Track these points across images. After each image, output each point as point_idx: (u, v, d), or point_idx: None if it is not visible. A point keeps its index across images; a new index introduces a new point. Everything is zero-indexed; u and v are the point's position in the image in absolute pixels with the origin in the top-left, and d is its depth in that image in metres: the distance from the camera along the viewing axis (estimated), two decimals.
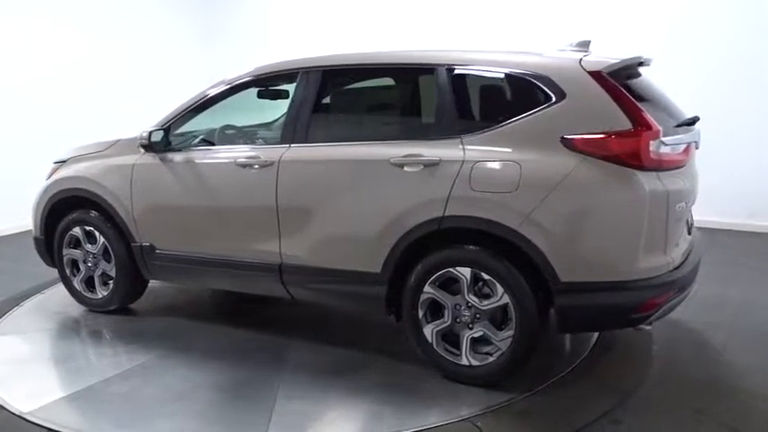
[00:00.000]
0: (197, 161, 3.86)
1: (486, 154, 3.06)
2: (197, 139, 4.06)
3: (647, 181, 2.83)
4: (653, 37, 6.34)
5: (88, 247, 4.33)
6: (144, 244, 4.10)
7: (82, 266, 4.40)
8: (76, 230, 4.35)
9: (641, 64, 3.32)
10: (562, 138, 2.91)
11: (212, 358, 3.68)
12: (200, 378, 3.42)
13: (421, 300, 3.24)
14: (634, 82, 3.25)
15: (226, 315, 4.47)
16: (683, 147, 3.12)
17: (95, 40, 7.79)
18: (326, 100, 3.58)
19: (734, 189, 6.18)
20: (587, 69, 2.97)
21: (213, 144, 4.01)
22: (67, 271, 4.48)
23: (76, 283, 4.46)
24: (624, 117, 2.85)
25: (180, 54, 8.79)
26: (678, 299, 3.09)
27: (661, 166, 2.90)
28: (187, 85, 5.07)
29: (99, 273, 4.35)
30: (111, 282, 4.32)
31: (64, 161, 4.46)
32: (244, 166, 3.64)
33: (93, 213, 4.25)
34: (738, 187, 6.19)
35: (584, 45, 3.46)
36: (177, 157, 3.92)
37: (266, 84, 3.88)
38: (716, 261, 4.89)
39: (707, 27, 6.25)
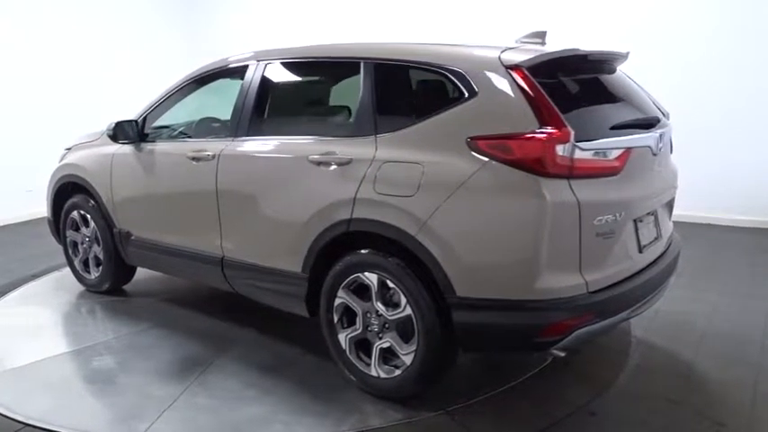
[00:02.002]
0: (163, 153, 3.96)
1: (394, 154, 2.85)
2: (176, 132, 4.16)
3: (552, 190, 2.50)
4: (632, 32, 6.41)
5: (84, 230, 4.60)
6: (122, 230, 4.28)
7: (80, 248, 4.69)
8: (74, 214, 4.63)
9: (586, 58, 2.92)
10: (468, 139, 2.64)
11: (170, 338, 3.85)
12: (148, 352, 3.66)
13: (335, 304, 3.11)
14: (584, 78, 2.91)
15: (208, 302, 4.54)
16: (619, 152, 2.71)
17: (93, 33, 8.04)
18: (265, 94, 3.51)
19: (713, 183, 6.29)
20: (505, 64, 2.67)
21: (190, 136, 4.08)
22: (70, 251, 4.79)
23: (76, 264, 4.76)
24: (533, 118, 2.54)
25: (172, 43, 9.00)
26: (603, 325, 2.70)
27: (574, 173, 2.54)
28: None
29: (92, 255, 4.61)
30: (101, 264, 4.56)
31: (70, 148, 4.76)
32: (193, 159, 3.68)
33: (85, 199, 4.50)
34: (718, 182, 6.29)
35: (540, 36, 3.13)
36: (148, 148, 4.04)
37: (224, 77, 3.88)
38: (695, 254, 5.09)
39: (687, 21, 6.28)
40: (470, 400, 3.00)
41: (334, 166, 3.02)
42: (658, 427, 2.80)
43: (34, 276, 5.11)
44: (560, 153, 2.50)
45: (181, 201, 3.83)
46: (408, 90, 3.02)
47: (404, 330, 2.89)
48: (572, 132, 2.50)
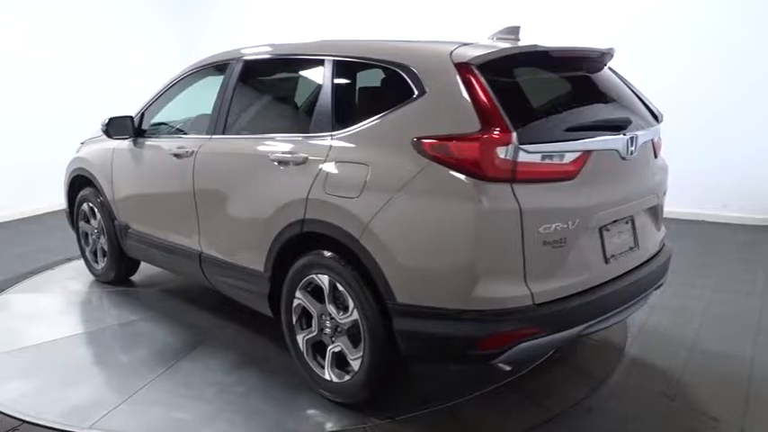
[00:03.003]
0: (153, 149, 4.04)
1: (345, 153, 2.78)
2: (173, 128, 4.23)
3: (491, 194, 2.36)
4: (630, 29, 6.37)
5: (92, 222, 4.76)
6: (122, 223, 4.40)
7: (90, 239, 4.86)
8: (84, 206, 4.80)
9: (548, 55, 2.74)
10: (414, 139, 2.54)
11: (154, 331, 3.93)
12: (129, 344, 3.78)
13: (294, 305, 3.07)
14: (545, 77, 2.76)
15: (205, 295, 4.57)
16: (575, 156, 2.53)
17: (92, 30, 7.96)
18: (238, 92, 3.50)
19: (707, 180, 6.27)
20: (455, 61, 2.54)
21: (185, 133, 4.13)
22: (82, 242, 4.97)
23: (87, 254, 4.94)
24: (475, 118, 2.41)
25: (171, 40, 8.98)
26: (551, 339, 2.54)
27: (517, 177, 2.39)
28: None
29: (99, 247, 4.76)
30: (106, 256, 4.71)
31: (84, 142, 4.93)
32: (175, 155, 3.73)
33: (93, 192, 4.65)
34: (711, 179, 6.27)
35: (513, 32, 2.99)
36: (143, 143, 4.13)
37: (212, 74, 3.90)
38: (689, 251, 5.18)
39: (682, 18, 6.24)
40: (469, 396, 2.97)
41: (291, 165, 2.98)
42: (654, 422, 2.81)
43: (31, 273, 5.13)
44: (501, 156, 2.36)
45: (166, 196, 3.89)
46: (363, 88, 2.94)
47: (353, 335, 2.82)
48: (514, 134, 2.36)
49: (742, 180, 6.19)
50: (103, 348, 3.76)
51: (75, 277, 5.01)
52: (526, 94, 2.61)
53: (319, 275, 2.90)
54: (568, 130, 2.56)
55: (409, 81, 2.64)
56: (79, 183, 4.83)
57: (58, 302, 4.57)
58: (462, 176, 2.39)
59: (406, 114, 2.62)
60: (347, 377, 2.88)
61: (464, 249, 2.40)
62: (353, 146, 2.77)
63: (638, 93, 3.23)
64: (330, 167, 2.80)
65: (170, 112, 4.17)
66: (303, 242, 2.97)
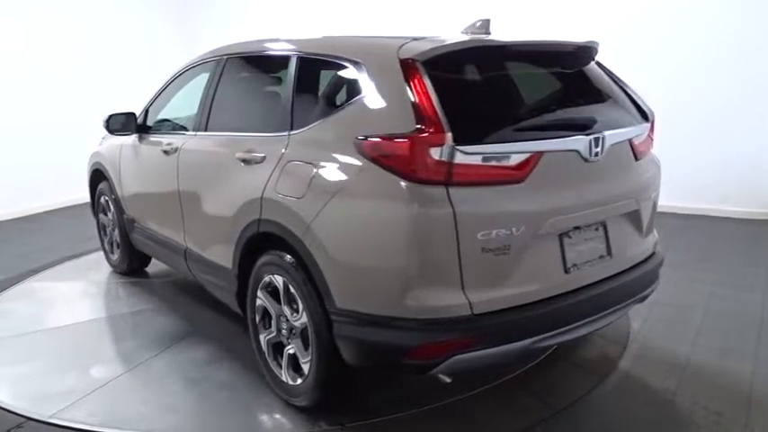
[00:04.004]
0: (151, 145, 4.11)
1: (296, 153, 2.73)
2: (176, 125, 4.29)
3: (422, 198, 2.24)
4: (627, 25, 6.34)
5: (108, 215, 4.93)
6: (128, 216, 4.53)
7: (107, 231, 5.03)
8: (102, 199, 4.97)
9: (504, 50, 2.58)
10: (356, 138, 2.45)
11: (147, 324, 4.03)
12: (120, 335, 3.95)
13: (257, 304, 3.05)
14: (501, 73, 2.59)
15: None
16: (523, 157, 2.36)
17: (92, 30, 7.96)
18: (217, 90, 3.51)
19: (707, 175, 6.24)
20: (400, 57, 2.43)
21: (182, 129, 4.19)
22: (101, 233, 5.16)
23: (105, 244, 5.12)
24: (411, 117, 2.29)
25: (173, 38, 8.91)
26: (493, 353, 2.38)
27: (453, 180, 2.26)
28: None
29: (114, 238, 4.92)
30: (119, 247, 4.86)
31: (105, 137, 5.10)
32: (164, 152, 3.79)
33: (108, 186, 4.81)
34: (712, 173, 6.22)
35: (483, 25, 2.84)
36: (144, 139, 4.22)
37: (203, 71, 3.92)
38: (691, 246, 5.28)
39: (684, 10, 6.16)
40: (471, 391, 2.96)
41: (253, 164, 2.96)
42: (656, 416, 2.80)
43: (33, 271, 5.15)
44: (435, 157, 2.23)
45: (159, 192, 3.96)
46: (319, 85, 2.87)
47: (305, 338, 2.77)
48: (448, 134, 2.22)
49: (742, 174, 6.12)
50: (98, 337, 3.89)
51: (95, 267, 5.21)
52: (472, 92, 2.47)
53: (275, 276, 2.86)
54: (518, 130, 2.40)
55: (358, 78, 2.56)
56: (98, 176, 5.01)
57: (72, 290, 4.77)
58: (395, 178, 2.29)
59: (352, 113, 2.54)
60: (299, 380, 2.83)
61: (396, 255, 2.29)
62: (305, 145, 2.71)
63: (627, 89, 3.00)
64: (282, 167, 2.75)
65: (171, 109, 4.23)
66: (263, 241, 2.94)
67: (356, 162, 2.42)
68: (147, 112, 4.28)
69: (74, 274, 5.12)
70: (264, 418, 2.92)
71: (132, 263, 4.87)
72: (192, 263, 3.67)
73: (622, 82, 3.04)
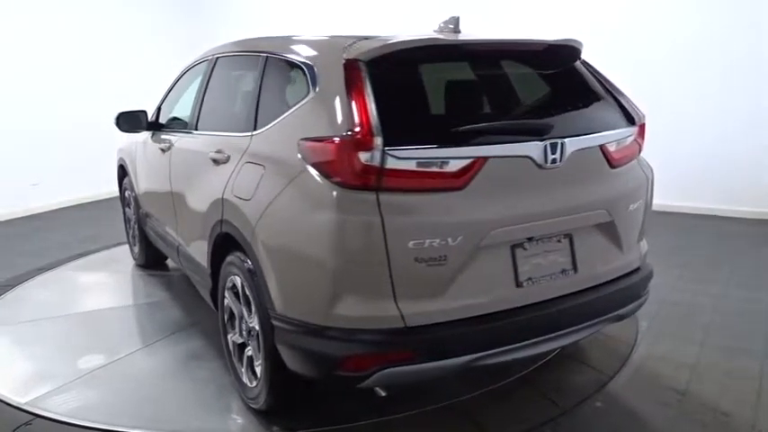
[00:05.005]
0: (157, 142, 4.21)
1: (253, 153, 2.72)
2: (179, 123, 4.36)
3: (349, 204, 2.16)
4: (625, 21, 6.44)
5: (131, 208, 5.10)
6: (143, 211, 4.67)
7: (131, 224, 5.21)
8: (126, 194, 5.16)
9: (457, 49, 2.44)
10: (299, 140, 2.40)
11: (149, 314, 4.18)
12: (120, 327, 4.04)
13: (225, 303, 3.06)
14: (454, 74, 2.46)
15: None
16: (464, 163, 2.22)
17: (98, 27, 8.01)
18: (207, 88, 3.54)
19: (719, 175, 6.19)
20: (346, 57, 2.36)
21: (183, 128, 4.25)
22: (126, 226, 5.35)
23: (129, 238, 5.31)
24: (344, 119, 2.21)
25: (181, 36, 8.84)
26: (427, 368, 2.25)
27: (383, 185, 2.16)
28: None
29: (135, 232, 5.09)
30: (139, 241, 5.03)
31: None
32: (162, 150, 3.87)
33: (129, 181, 4.98)
34: (723, 173, 6.17)
35: (451, 22, 2.72)
36: (155, 137, 4.33)
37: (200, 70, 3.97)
38: (700, 246, 5.35)
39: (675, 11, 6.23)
40: (478, 391, 2.96)
41: (220, 164, 2.96)
42: (664, 417, 2.79)
43: (40, 270, 5.19)
44: (365, 161, 2.15)
45: (160, 188, 4.06)
46: (278, 85, 2.83)
47: (258, 340, 2.74)
48: (377, 138, 2.13)
49: (753, 174, 6.08)
50: (100, 326, 4.02)
51: (122, 260, 5.41)
52: (413, 94, 2.35)
53: (236, 277, 2.85)
54: (460, 134, 2.26)
55: (308, 78, 2.50)
56: (122, 171, 5.20)
57: (93, 280, 5.00)
58: (326, 183, 2.22)
59: (300, 114, 2.49)
60: (255, 383, 2.81)
61: (325, 262, 2.22)
62: (261, 145, 2.69)
63: (613, 91, 2.78)
64: (240, 167, 2.74)
65: (177, 108, 4.32)
66: (227, 242, 2.94)
67: (297, 165, 2.36)
68: (159, 110, 4.39)
69: (102, 265, 5.34)
70: (222, 417, 2.92)
71: (149, 256, 5.01)
72: (182, 258, 3.74)
73: (609, 83, 2.83)
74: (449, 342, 2.26)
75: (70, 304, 4.47)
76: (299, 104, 2.50)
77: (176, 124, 4.16)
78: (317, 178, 2.25)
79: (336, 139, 2.18)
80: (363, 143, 2.13)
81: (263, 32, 3.62)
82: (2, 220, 7.04)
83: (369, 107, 2.18)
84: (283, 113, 2.61)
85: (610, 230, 2.63)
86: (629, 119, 2.74)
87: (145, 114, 4.33)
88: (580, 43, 2.72)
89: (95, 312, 4.28)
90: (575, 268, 2.52)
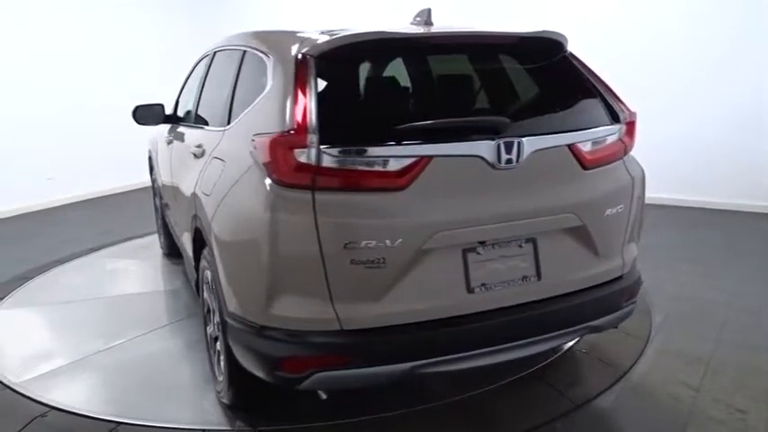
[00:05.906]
0: (168, 136, 4.31)
1: (220, 149, 2.72)
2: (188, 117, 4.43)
3: (283, 201, 2.11)
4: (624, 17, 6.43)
5: (159, 199, 5.26)
6: (164, 201, 4.80)
7: (158, 214, 5.38)
8: (155, 185, 5.31)
9: (411, 43, 2.32)
10: (252, 136, 2.38)
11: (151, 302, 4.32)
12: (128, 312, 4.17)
13: (204, 296, 3.09)
14: (405, 68, 2.37)
15: None
16: (407, 162, 2.12)
17: (109, 24, 8.13)
18: (204, 83, 3.59)
19: (735, 170, 6.06)
20: (300, 53, 2.31)
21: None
22: (156, 216, 5.52)
23: (158, 227, 5.48)
24: (287, 115, 2.17)
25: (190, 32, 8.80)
26: (364, 373, 2.18)
27: (319, 184, 2.09)
28: None
29: (161, 222, 5.25)
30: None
31: None
32: (167, 143, 3.96)
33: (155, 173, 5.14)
34: (740, 168, 6.05)
35: (422, 15, 2.63)
36: (171, 130, 4.43)
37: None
38: (713, 241, 5.29)
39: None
40: (491, 386, 2.96)
41: (197, 159, 2.99)
42: (678, 413, 2.76)
43: (57, 262, 5.30)
44: (301, 159, 2.09)
45: (167, 181, 4.15)
46: (250, 79, 2.80)
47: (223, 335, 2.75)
48: (311, 135, 2.07)
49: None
50: (109, 312, 4.17)
51: (150, 247, 5.60)
52: (357, 90, 2.27)
53: (207, 271, 2.87)
54: (403, 132, 2.16)
55: (268, 73, 2.47)
56: (151, 162, 5.36)
57: (119, 267, 5.20)
58: (265, 180, 2.18)
59: (257, 109, 2.47)
60: (221, 377, 2.82)
61: (263, 261, 2.18)
62: (227, 141, 2.69)
63: (599, 88, 2.59)
64: (209, 163, 2.75)
65: (188, 101, 4.40)
66: (201, 235, 2.96)
67: (247, 161, 2.34)
68: (177, 102, 4.48)
69: (132, 253, 5.55)
70: (193, 408, 2.95)
71: (172, 246, 5.15)
72: (181, 249, 3.81)
73: (597, 80, 2.63)
74: (387, 348, 2.18)
75: (90, 290, 4.65)
76: (258, 100, 2.48)
77: (186, 117, 4.24)
78: (259, 176, 2.22)
79: (273, 136, 2.14)
80: (297, 141, 2.08)
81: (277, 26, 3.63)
82: (17, 214, 7.21)
83: (308, 104, 2.12)
84: (245, 108, 2.60)
85: (582, 236, 2.45)
86: (614, 117, 2.54)
87: (161, 107, 4.43)
88: (562, 36, 2.55)
89: (104, 299, 4.44)
90: (538, 275, 2.37)
